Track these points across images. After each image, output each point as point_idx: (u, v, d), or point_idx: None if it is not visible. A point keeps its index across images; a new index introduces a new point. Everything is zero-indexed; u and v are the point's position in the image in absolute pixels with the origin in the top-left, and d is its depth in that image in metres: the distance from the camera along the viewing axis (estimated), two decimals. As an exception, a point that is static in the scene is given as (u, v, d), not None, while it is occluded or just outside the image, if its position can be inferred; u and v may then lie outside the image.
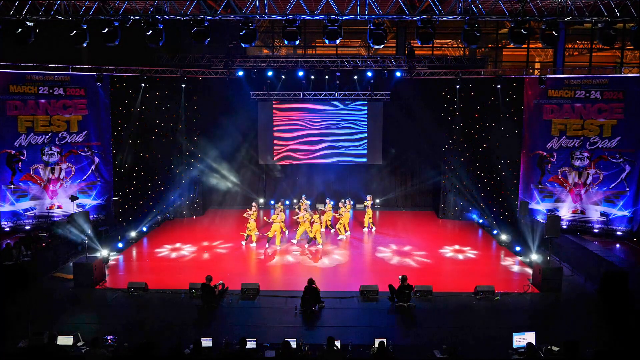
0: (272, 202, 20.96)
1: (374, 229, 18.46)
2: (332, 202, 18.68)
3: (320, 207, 18.12)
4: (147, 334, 10.02)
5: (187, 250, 16.18)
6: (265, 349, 9.27)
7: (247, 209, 16.88)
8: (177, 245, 16.61)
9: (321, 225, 16.70)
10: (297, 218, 16.74)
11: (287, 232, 17.37)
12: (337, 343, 8.93)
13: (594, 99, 17.41)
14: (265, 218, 17.16)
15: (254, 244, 16.60)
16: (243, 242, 16.73)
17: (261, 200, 21.88)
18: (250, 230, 16.70)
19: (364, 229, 18.48)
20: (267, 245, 16.25)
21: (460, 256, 15.76)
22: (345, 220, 17.78)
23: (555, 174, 18.22)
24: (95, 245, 14.84)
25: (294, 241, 16.63)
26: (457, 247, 16.58)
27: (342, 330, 10.47)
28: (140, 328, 10.47)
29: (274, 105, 21.07)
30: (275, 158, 21.53)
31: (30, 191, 17.71)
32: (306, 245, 16.30)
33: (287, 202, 21.18)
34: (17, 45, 11.02)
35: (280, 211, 16.71)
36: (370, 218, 18.40)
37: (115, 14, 11.11)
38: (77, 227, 13.67)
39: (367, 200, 18.61)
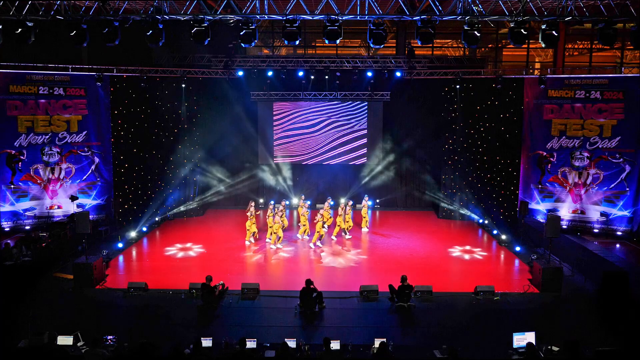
0: (272, 202, 20.94)
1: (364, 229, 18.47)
2: (332, 202, 18.65)
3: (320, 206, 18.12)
4: (147, 334, 10.01)
5: (187, 250, 16.18)
6: (265, 349, 9.27)
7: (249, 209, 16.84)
8: (177, 245, 16.60)
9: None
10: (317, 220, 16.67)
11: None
12: (337, 343, 8.93)
13: (594, 99, 17.41)
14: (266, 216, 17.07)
15: (248, 242, 16.60)
16: (249, 242, 16.70)
17: (261, 200, 21.86)
18: (250, 229, 16.67)
19: (363, 229, 18.44)
20: (280, 246, 16.28)
21: (460, 256, 15.76)
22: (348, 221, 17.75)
23: (555, 174, 18.23)
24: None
25: (319, 244, 16.59)
26: (457, 247, 16.58)
27: (342, 330, 10.48)
28: (140, 328, 10.46)
29: (274, 105, 21.07)
30: (275, 158, 21.52)
31: (30, 191, 17.72)
32: (319, 244, 16.40)
33: (287, 202, 21.17)
34: (17, 45, 11.02)
35: (281, 211, 16.75)
36: (364, 218, 18.41)
37: (115, 14, 11.11)
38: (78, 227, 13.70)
39: (364, 201, 18.55)
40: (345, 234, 17.56)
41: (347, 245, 16.77)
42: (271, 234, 16.45)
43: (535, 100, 18.22)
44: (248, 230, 16.70)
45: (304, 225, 17.25)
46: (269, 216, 16.72)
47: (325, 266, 14.88)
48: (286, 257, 15.64)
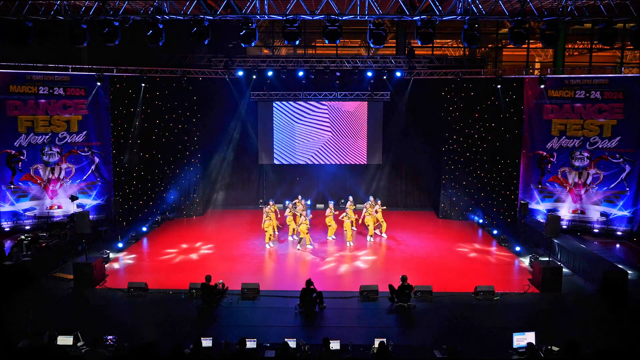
0: (272, 201, 20.91)
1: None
2: (331, 203, 18.59)
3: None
4: (147, 334, 10.01)
5: (187, 250, 16.17)
6: (265, 349, 9.27)
7: (266, 208, 16.82)
8: (177, 245, 16.60)
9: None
10: (342, 217, 16.78)
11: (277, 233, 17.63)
12: (337, 343, 8.93)
13: (594, 99, 17.41)
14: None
15: (269, 244, 16.47)
16: (270, 244, 16.51)
17: (260, 200, 21.85)
18: (268, 230, 16.50)
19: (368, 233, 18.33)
20: (298, 247, 16.22)
21: (460, 256, 15.75)
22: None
23: (555, 174, 18.23)
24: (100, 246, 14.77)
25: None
26: (457, 247, 16.57)
27: (342, 330, 10.48)
28: (140, 328, 10.46)
29: (274, 105, 21.07)
30: (275, 158, 21.51)
31: (30, 191, 17.72)
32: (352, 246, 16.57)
33: (287, 202, 21.15)
34: (17, 45, 11.02)
35: (303, 210, 17.01)
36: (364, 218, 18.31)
37: (115, 14, 11.12)
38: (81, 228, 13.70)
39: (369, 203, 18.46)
40: (380, 233, 17.61)
41: (347, 246, 16.76)
42: (294, 233, 16.77)
43: (535, 100, 18.22)
44: (266, 231, 16.44)
45: (330, 226, 17.07)
46: (288, 215, 16.87)
47: (325, 266, 14.87)
48: (286, 257, 15.64)
